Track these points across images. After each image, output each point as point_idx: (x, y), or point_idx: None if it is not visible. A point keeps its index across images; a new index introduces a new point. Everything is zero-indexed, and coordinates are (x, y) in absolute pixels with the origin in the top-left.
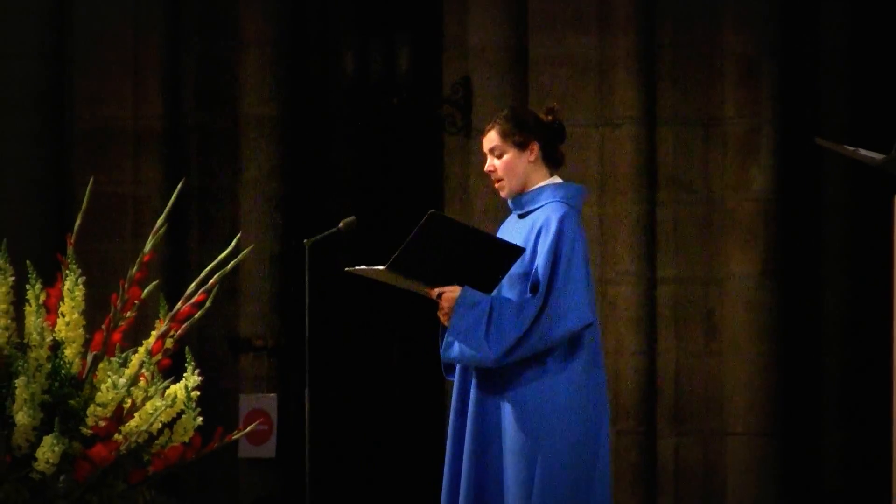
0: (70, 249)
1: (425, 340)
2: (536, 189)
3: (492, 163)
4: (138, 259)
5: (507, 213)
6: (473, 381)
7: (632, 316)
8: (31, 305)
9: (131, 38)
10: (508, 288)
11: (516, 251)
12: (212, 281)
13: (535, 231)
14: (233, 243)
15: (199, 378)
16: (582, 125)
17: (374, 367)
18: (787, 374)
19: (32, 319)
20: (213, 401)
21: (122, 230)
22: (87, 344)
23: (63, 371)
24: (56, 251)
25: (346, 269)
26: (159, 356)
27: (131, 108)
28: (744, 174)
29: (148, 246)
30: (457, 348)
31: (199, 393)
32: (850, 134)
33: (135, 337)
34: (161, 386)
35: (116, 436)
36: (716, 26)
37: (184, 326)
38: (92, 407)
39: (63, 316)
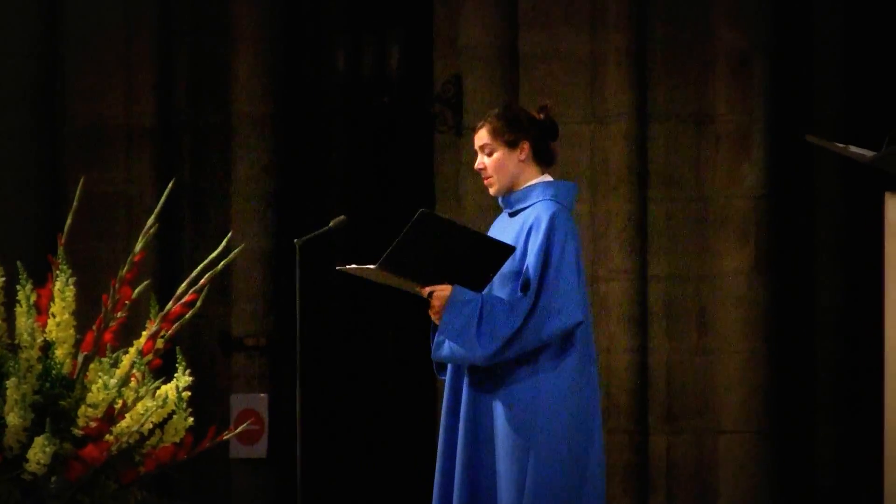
0: (61, 249)
1: (417, 339)
2: (527, 187)
3: (482, 160)
4: (129, 259)
5: (498, 211)
6: (466, 380)
7: (623, 313)
8: (21, 306)
9: (123, 35)
10: (499, 286)
11: (507, 250)
12: (203, 280)
13: (526, 229)
14: (223, 242)
15: (190, 378)
16: (573, 122)
17: (365, 366)
18: (779, 370)
19: (23, 320)
20: (204, 401)
21: (114, 229)
22: (77, 344)
23: (54, 371)
24: (47, 251)
25: (338, 267)
26: (150, 356)
27: (123, 106)
28: (736, 171)
29: (139, 246)
30: (448, 347)
31: (190, 393)
32: (842, 131)
33: (126, 337)
34: (152, 386)
35: (108, 436)
36: (708, 22)
37: (175, 326)
38: (83, 407)
39: (54, 316)
